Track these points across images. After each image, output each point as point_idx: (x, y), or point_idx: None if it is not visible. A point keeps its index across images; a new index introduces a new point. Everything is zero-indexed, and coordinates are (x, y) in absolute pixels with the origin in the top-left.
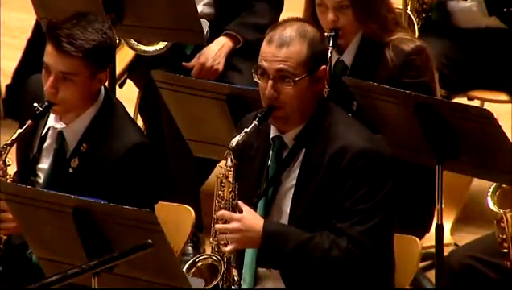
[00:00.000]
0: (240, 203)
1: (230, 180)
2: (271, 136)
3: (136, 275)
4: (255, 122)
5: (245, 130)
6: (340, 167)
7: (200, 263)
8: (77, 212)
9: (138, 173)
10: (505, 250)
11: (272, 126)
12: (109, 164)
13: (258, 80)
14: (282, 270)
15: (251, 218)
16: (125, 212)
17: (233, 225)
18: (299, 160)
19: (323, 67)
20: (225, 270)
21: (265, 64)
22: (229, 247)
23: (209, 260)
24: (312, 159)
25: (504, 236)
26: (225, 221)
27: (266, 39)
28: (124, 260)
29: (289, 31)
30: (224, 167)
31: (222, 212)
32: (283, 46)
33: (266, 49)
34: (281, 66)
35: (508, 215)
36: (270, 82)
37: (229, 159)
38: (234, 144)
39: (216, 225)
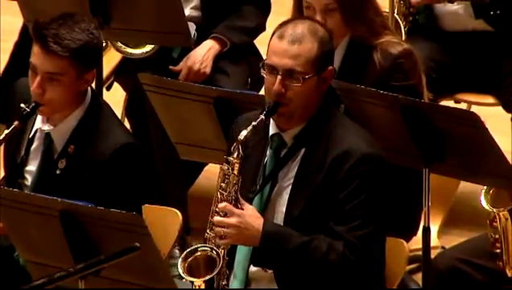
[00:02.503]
0: (241, 199)
1: (236, 172)
2: (270, 133)
3: (123, 278)
4: (262, 116)
5: (253, 123)
6: (343, 170)
7: (199, 253)
8: (64, 215)
9: (126, 174)
10: (498, 251)
11: (271, 124)
12: (97, 165)
13: (264, 75)
14: (277, 271)
15: (251, 215)
16: (113, 215)
17: (233, 220)
18: (298, 159)
19: (330, 68)
20: (222, 265)
21: (275, 59)
22: (224, 241)
23: (208, 252)
24: (312, 159)
25: (497, 236)
26: (225, 215)
27: (277, 34)
28: (111, 263)
29: (301, 28)
30: (230, 159)
31: (224, 204)
32: (295, 42)
33: (276, 44)
34: (291, 62)
35: (501, 214)
36: (279, 78)
37: (237, 152)
38: (243, 137)
39: (215, 218)
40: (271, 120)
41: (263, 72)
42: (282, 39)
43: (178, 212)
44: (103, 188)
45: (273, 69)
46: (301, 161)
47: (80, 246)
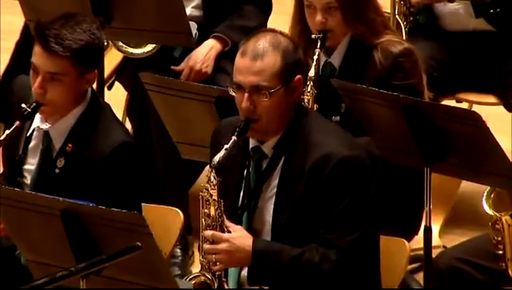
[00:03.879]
0: (227, 221)
1: (215, 197)
2: (250, 147)
3: (124, 278)
4: (234, 138)
5: (226, 146)
6: (323, 176)
7: (193, 281)
8: (66, 214)
9: (124, 172)
10: (501, 252)
11: (251, 138)
12: (95, 164)
13: (233, 94)
14: (274, 287)
15: (240, 237)
16: (114, 214)
17: (222, 246)
18: (279, 168)
19: (298, 76)
20: (218, 287)
21: (239, 77)
22: (217, 267)
23: (202, 278)
24: (292, 167)
25: (499, 238)
26: (214, 241)
27: (240, 51)
28: (113, 263)
29: (262, 43)
30: (207, 186)
31: (211, 233)
32: (257, 58)
33: (240, 62)
34: (256, 79)
35: (503, 218)
36: (246, 95)
37: (212, 177)
38: (216, 162)
39: (205, 246)
40: None
41: (231, 91)
42: (244, 55)
43: (179, 211)
44: (101, 187)
45: (239, 87)
46: (281, 170)
47: (81, 246)
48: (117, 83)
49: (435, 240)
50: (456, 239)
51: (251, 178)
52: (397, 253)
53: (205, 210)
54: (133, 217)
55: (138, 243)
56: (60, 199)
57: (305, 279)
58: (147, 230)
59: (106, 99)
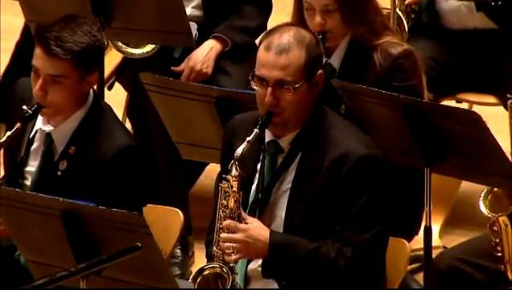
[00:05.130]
0: (244, 213)
1: (235, 189)
2: (266, 140)
3: (125, 278)
4: (257, 130)
5: (248, 139)
6: (342, 173)
7: (206, 272)
8: (66, 215)
9: (127, 176)
10: (499, 254)
11: (267, 131)
12: (98, 167)
13: (255, 87)
14: (289, 280)
15: (257, 227)
16: (114, 215)
17: (239, 235)
18: (295, 164)
19: (320, 71)
20: (233, 280)
21: (264, 71)
22: (234, 257)
23: (217, 270)
24: (309, 163)
25: (497, 240)
26: (230, 231)
27: (264, 45)
28: (113, 263)
29: (287, 38)
30: (228, 177)
31: (228, 221)
32: (282, 53)
33: (264, 56)
34: (281, 74)
35: (500, 219)
36: (270, 89)
37: (234, 169)
38: (239, 154)
39: (222, 234)
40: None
41: (253, 84)
42: (269, 50)
43: (179, 211)
44: (104, 190)
45: (263, 81)
46: (298, 166)
47: (81, 246)
48: (117, 83)
49: (435, 240)
50: (456, 239)
51: (265, 172)
52: (397, 253)
53: (223, 201)
54: (133, 217)
55: (138, 243)
56: (60, 199)
57: (320, 273)
58: (147, 231)
59: (106, 99)
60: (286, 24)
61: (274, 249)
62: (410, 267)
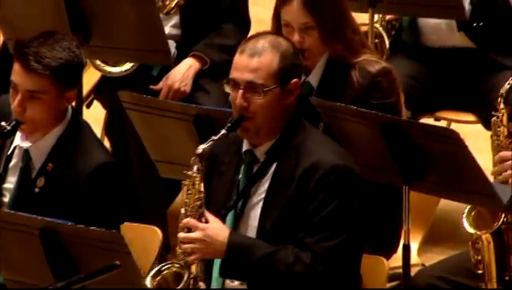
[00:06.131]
0: (206, 213)
1: (197, 187)
2: (243, 150)
3: None
4: (224, 131)
5: (213, 137)
6: (312, 182)
7: (165, 272)
8: (44, 233)
9: (104, 193)
10: (481, 272)
11: (244, 141)
12: (75, 184)
13: (229, 91)
14: (245, 281)
15: (216, 228)
16: (93, 233)
17: (197, 234)
18: (270, 174)
19: (294, 80)
20: (189, 276)
21: (236, 74)
22: (192, 257)
23: (174, 268)
24: (283, 173)
25: (479, 257)
26: (190, 230)
27: (239, 50)
28: (91, 281)
29: (262, 42)
30: (190, 174)
31: (187, 220)
32: (255, 56)
33: (237, 59)
34: (251, 76)
35: (484, 237)
36: (241, 92)
37: (195, 166)
38: (200, 150)
39: (180, 234)
40: None
41: (227, 88)
42: (242, 53)
43: (158, 229)
44: (82, 207)
45: (235, 84)
46: (272, 176)
47: (60, 264)
48: (95, 101)
49: (414, 258)
50: (434, 257)
51: (241, 182)
52: (376, 271)
53: (186, 199)
54: (111, 235)
55: (117, 262)
56: (39, 218)
57: (276, 277)
58: (126, 249)
59: (85, 117)
60: (266, 32)
61: (231, 249)
62: (388, 285)
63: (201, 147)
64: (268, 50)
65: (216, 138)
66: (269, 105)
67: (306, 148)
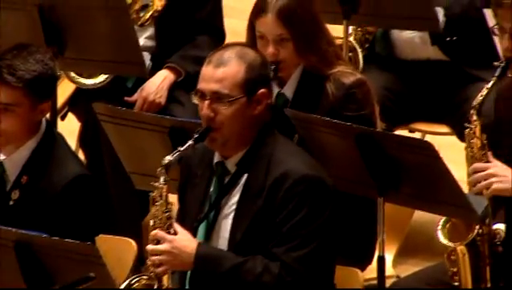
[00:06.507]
0: (175, 224)
1: (164, 198)
2: (214, 162)
3: None
4: (190, 142)
5: (180, 148)
6: (281, 191)
7: (135, 284)
8: (19, 245)
9: (79, 205)
10: (457, 284)
11: (216, 153)
12: (50, 196)
13: (196, 102)
14: None
15: (184, 240)
16: (67, 245)
17: (165, 246)
18: (240, 185)
19: (262, 90)
20: (160, 288)
21: (202, 84)
22: (160, 269)
23: (143, 281)
24: (253, 184)
25: (455, 269)
26: (159, 242)
27: (206, 60)
28: None
29: (228, 53)
30: (157, 185)
31: (155, 231)
32: (220, 66)
33: (204, 70)
34: (217, 86)
35: (458, 248)
36: (207, 102)
37: (162, 177)
38: (166, 161)
39: (148, 246)
40: None
41: (194, 99)
42: (209, 64)
43: (132, 241)
44: (56, 220)
45: (202, 94)
46: (243, 186)
47: (34, 277)
48: (70, 113)
49: (389, 270)
50: (409, 269)
51: (212, 194)
52: (350, 282)
53: (154, 211)
54: (86, 247)
55: (92, 274)
56: (13, 230)
57: (244, 288)
58: (101, 261)
59: (59, 129)
60: (235, 42)
61: (199, 261)
62: None
63: (167, 158)
64: (234, 60)
65: (182, 149)
66: (235, 116)
67: (276, 158)
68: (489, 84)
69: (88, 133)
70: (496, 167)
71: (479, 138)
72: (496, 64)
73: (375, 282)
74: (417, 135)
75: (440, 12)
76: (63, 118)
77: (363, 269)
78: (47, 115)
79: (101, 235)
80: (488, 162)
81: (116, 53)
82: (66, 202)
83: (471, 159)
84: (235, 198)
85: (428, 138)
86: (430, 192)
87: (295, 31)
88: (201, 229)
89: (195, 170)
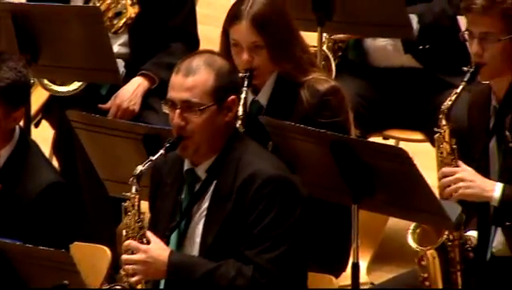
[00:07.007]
0: (148, 233)
1: (136, 208)
2: (184, 169)
3: None
4: (162, 151)
5: (151, 157)
6: (250, 193)
7: None
8: None
9: (53, 213)
10: (427, 283)
11: (185, 160)
12: (24, 204)
13: (167, 111)
14: None
15: (157, 249)
16: (41, 252)
17: (139, 256)
18: (211, 190)
19: (232, 97)
20: None
21: (172, 93)
22: (134, 278)
23: None
24: (222, 188)
25: (425, 275)
26: (132, 252)
27: (175, 70)
28: None
29: (196, 61)
30: (129, 195)
31: (129, 242)
32: (189, 75)
33: (173, 79)
34: (187, 95)
35: (428, 252)
36: (178, 111)
37: (134, 187)
38: (138, 171)
39: (122, 256)
40: None
41: (165, 108)
42: (178, 72)
43: (107, 249)
44: (31, 227)
45: (172, 104)
46: (213, 192)
47: (8, 284)
48: (43, 121)
49: (363, 277)
50: (383, 276)
51: (183, 201)
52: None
53: (126, 221)
54: (60, 255)
55: (66, 281)
56: None
57: None
58: (75, 268)
59: (33, 137)
60: (203, 50)
61: (172, 269)
62: None
63: (139, 168)
64: (203, 68)
65: (154, 158)
66: (206, 124)
67: (244, 161)
68: (458, 89)
69: (61, 140)
70: (464, 171)
71: (448, 142)
72: (465, 68)
73: (349, 289)
74: (391, 142)
75: (414, 19)
76: (36, 126)
77: (337, 276)
78: (21, 123)
79: (75, 243)
80: (457, 166)
81: (90, 60)
82: (40, 210)
83: (440, 164)
84: (206, 204)
85: (402, 145)
86: (404, 199)
87: (270, 39)
88: (173, 237)
89: (165, 178)
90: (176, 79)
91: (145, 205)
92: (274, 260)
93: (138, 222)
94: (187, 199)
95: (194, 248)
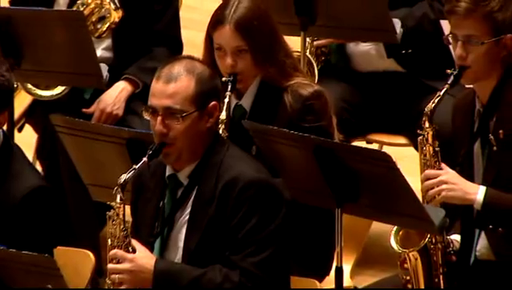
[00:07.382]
0: (133, 242)
1: (121, 217)
2: (166, 175)
3: None
4: (145, 159)
5: (134, 166)
6: (232, 197)
7: None
8: None
9: (37, 217)
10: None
11: (167, 166)
12: (8, 208)
13: (148, 118)
14: None
15: (143, 257)
16: (24, 257)
17: (125, 265)
18: (192, 196)
19: (213, 102)
20: None
21: (153, 100)
22: (121, 287)
23: None
24: (204, 192)
25: (408, 277)
26: (118, 261)
27: (155, 76)
28: None
29: (177, 67)
30: (113, 204)
31: (115, 251)
32: (171, 81)
33: (154, 86)
34: (168, 102)
35: (411, 254)
36: (159, 118)
37: (119, 196)
38: (122, 180)
39: (108, 266)
40: None
41: (146, 115)
42: (158, 79)
43: (90, 253)
44: (14, 232)
45: (153, 111)
46: (194, 197)
47: None
48: (27, 125)
49: (347, 281)
50: (367, 280)
51: (166, 207)
52: None
53: (111, 230)
54: (43, 259)
55: (49, 286)
56: None
57: None
58: (58, 273)
59: (16, 141)
60: (182, 56)
61: (158, 277)
62: None
63: (123, 177)
64: (183, 74)
65: (137, 166)
66: (189, 130)
67: (225, 164)
68: (442, 92)
69: (45, 144)
70: (447, 174)
71: (431, 145)
72: (449, 71)
73: None
74: (374, 146)
75: (398, 24)
76: (20, 130)
77: (321, 280)
78: (4, 127)
79: (58, 247)
80: (440, 169)
81: (73, 65)
82: (24, 214)
83: (424, 166)
84: (188, 209)
85: (386, 149)
86: (388, 204)
87: (253, 43)
88: (157, 244)
89: (147, 183)
90: (157, 86)
91: (128, 211)
92: (259, 264)
93: (124, 231)
94: (169, 205)
95: (177, 254)
